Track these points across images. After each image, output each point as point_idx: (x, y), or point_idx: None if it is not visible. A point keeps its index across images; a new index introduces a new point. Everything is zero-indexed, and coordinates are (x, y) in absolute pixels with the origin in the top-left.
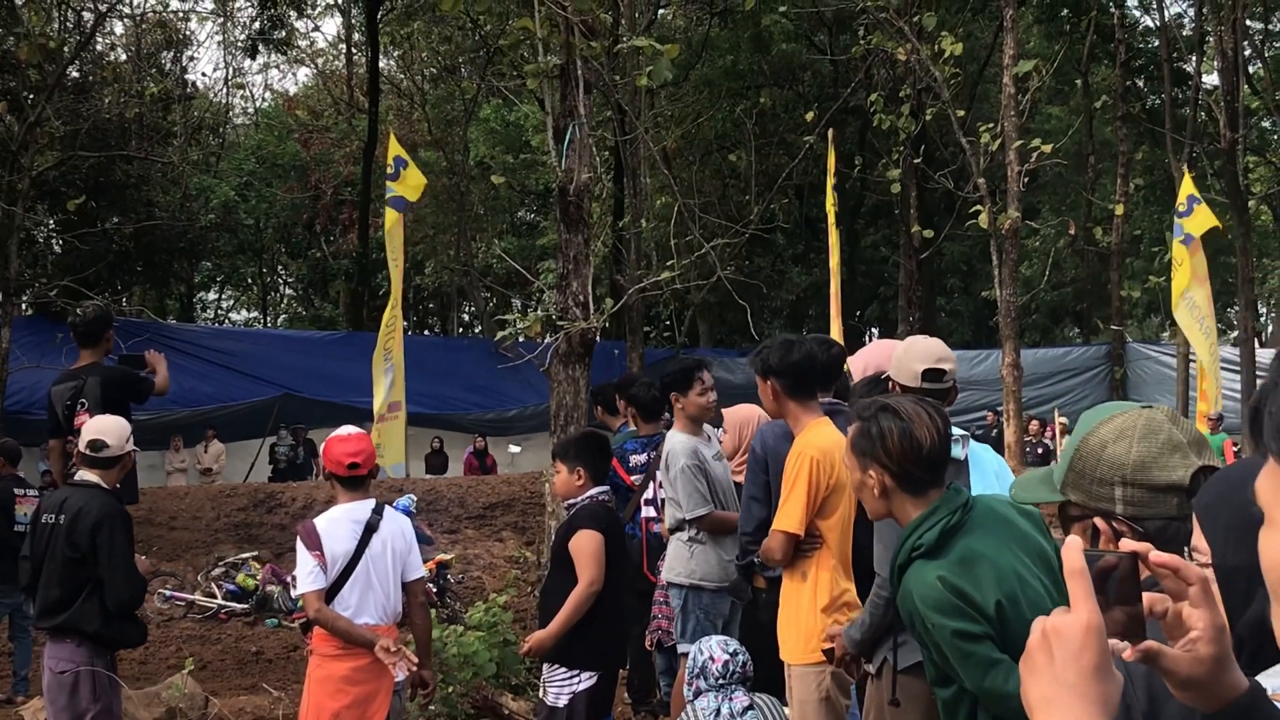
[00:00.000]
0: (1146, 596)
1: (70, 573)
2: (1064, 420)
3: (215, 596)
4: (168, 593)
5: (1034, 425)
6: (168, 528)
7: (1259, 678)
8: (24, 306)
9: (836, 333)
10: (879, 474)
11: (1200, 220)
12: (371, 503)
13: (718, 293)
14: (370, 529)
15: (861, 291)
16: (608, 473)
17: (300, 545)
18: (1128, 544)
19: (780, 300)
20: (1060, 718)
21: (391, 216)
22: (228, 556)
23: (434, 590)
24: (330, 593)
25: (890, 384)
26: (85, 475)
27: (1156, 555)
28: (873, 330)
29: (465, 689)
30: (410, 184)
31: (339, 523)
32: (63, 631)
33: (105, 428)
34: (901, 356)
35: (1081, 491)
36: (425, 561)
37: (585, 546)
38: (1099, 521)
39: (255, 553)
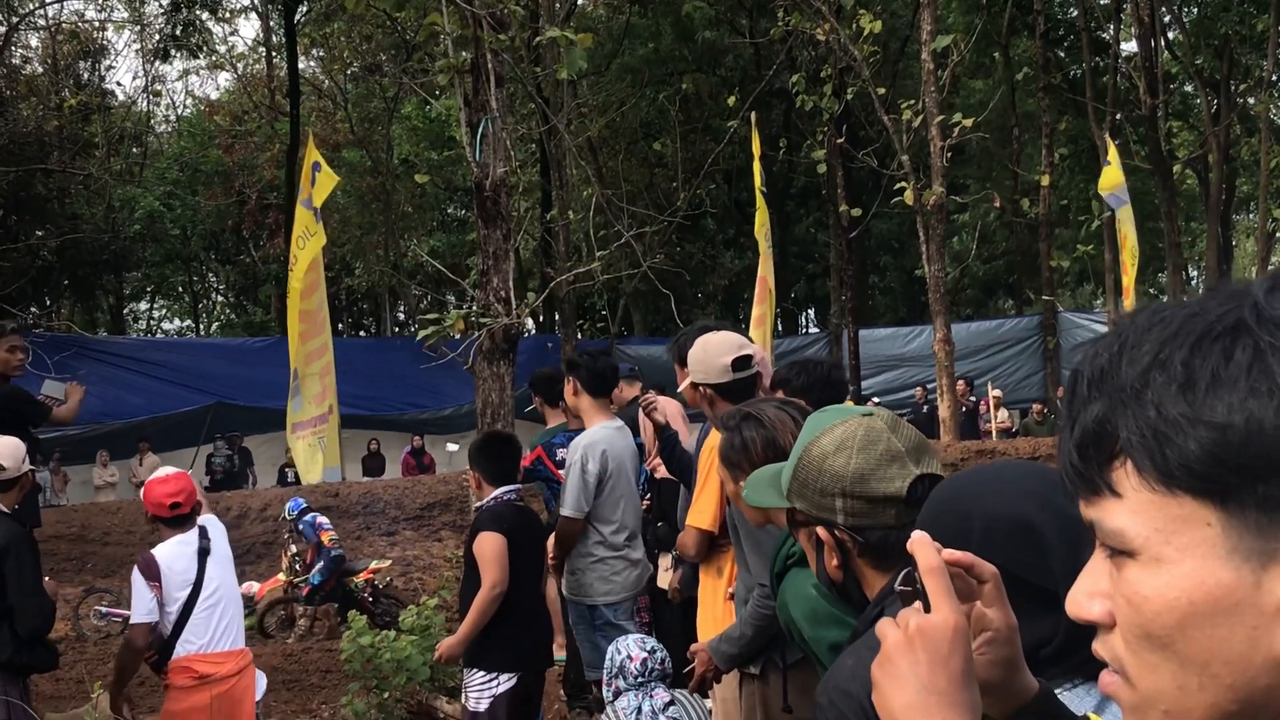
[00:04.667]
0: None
1: None
2: (998, 393)
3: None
4: (104, 609)
5: (960, 385)
6: (101, 543)
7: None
8: None
9: (760, 320)
10: None
11: (1109, 177)
12: (195, 530)
13: (650, 281)
14: (204, 553)
15: (792, 272)
16: (510, 473)
17: (139, 577)
18: (917, 542)
19: (714, 285)
20: None
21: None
22: None
23: (368, 599)
24: (181, 621)
25: (701, 390)
26: None
27: (949, 553)
28: (808, 311)
29: (400, 694)
30: (321, 188)
31: (176, 554)
32: None
33: (0, 449)
34: (704, 358)
35: (805, 500)
36: (360, 571)
37: (486, 549)
38: (821, 531)
39: None
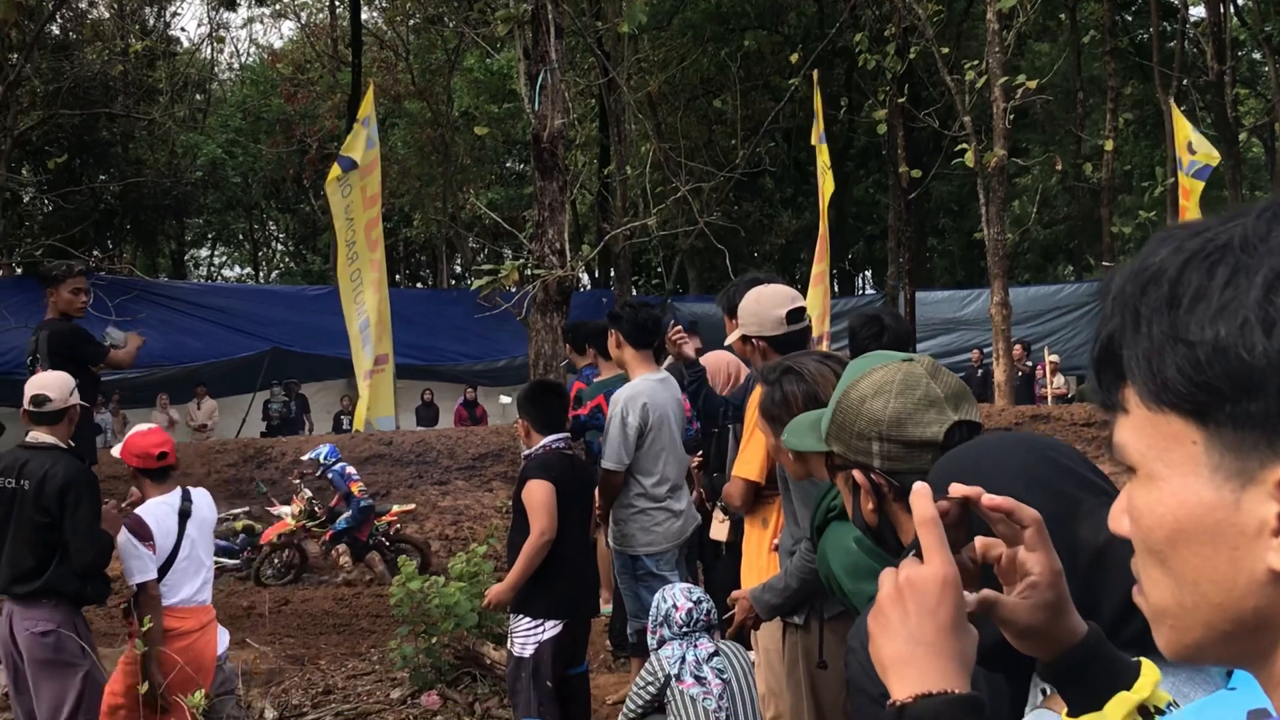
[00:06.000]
0: (980, 541)
1: (41, 538)
2: (1055, 358)
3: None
4: None
5: (1017, 350)
6: None
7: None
8: (12, 267)
9: (819, 277)
10: None
11: (1205, 156)
12: (179, 490)
13: (706, 239)
14: (185, 514)
15: (851, 233)
16: (559, 421)
17: (129, 537)
18: (958, 488)
19: (770, 244)
20: (917, 677)
21: (334, 171)
22: (219, 512)
23: (386, 543)
24: (160, 577)
25: (753, 342)
26: (38, 436)
27: (989, 499)
28: (864, 272)
29: (447, 640)
30: (357, 142)
31: (161, 514)
32: (39, 595)
33: (47, 382)
34: (757, 310)
35: (842, 444)
36: (383, 514)
37: (534, 497)
38: (857, 475)
39: (246, 508)
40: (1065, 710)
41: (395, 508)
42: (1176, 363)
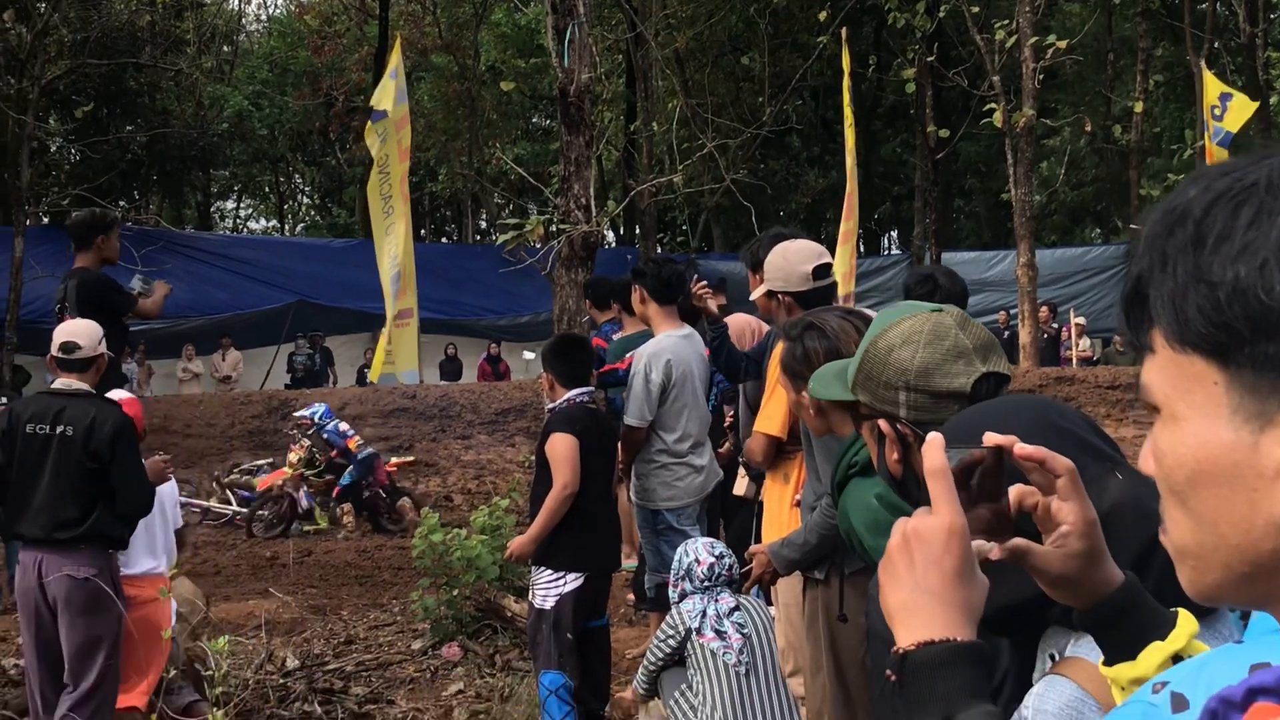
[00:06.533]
0: (1015, 490)
1: (87, 484)
2: (1081, 320)
3: (230, 503)
4: (182, 499)
5: (1043, 312)
6: (183, 435)
7: (1074, 648)
8: (39, 216)
9: (847, 235)
10: None
11: (1237, 113)
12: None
13: (732, 196)
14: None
15: (877, 193)
16: (583, 375)
17: None
18: (992, 437)
19: (796, 203)
20: (922, 625)
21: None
22: (243, 463)
23: (382, 495)
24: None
25: (778, 298)
26: (70, 382)
27: (1021, 447)
28: (890, 232)
29: (469, 592)
30: (386, 94)
31: None
32: (79, 540)
33: (76, 330)
34: (783, 265)
35: (869, 393)
36: (387, 461)
37: (558, 450)
38: (883, 424)
39: (270, 459)
40: (1102, 660)
41: (394, 459)
42: (1198, 303)
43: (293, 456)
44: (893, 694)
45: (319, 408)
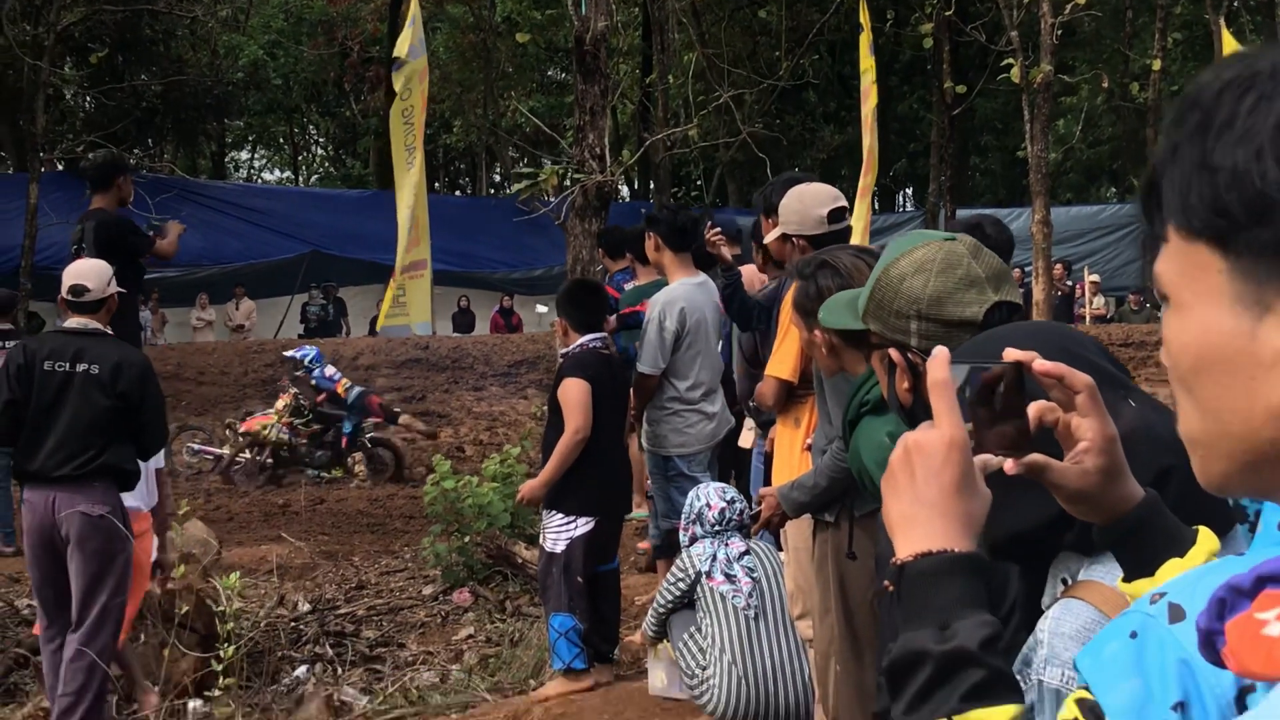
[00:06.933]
0: (1035, 405)
1: (110, 421)
2: (1095, 278)
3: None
4: (196, 446)
5: (1058, 269)
6: (196, 382)
7: (1088, 571)
8: (54, 163)
9: (865, 190)
10: (825, 332)
11: None
12: None
13: (747, 151)
14: None
15: (893, 150)
16: (597, 321)
17: None
18: (1012, 353)
19: (812, 159)
20: (920, 537)
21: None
22: (256, 412)
23: (366, 443)
24: None
25: (793, 241)
26: (85, 322)
27: (1041, 363)
28: (906, 189)
29: (480, 539)
30: (406, 43)
31: None
32: (94, 476)
33: (84, 271)
34: (799, 208)
35: (880, 322)
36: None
37: (570, 394)
38: (894, 353)
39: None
40: (1121, 577)
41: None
42: (1200, 189)
43: (279, 404)
44: (891, 605)
45: (310, 350)
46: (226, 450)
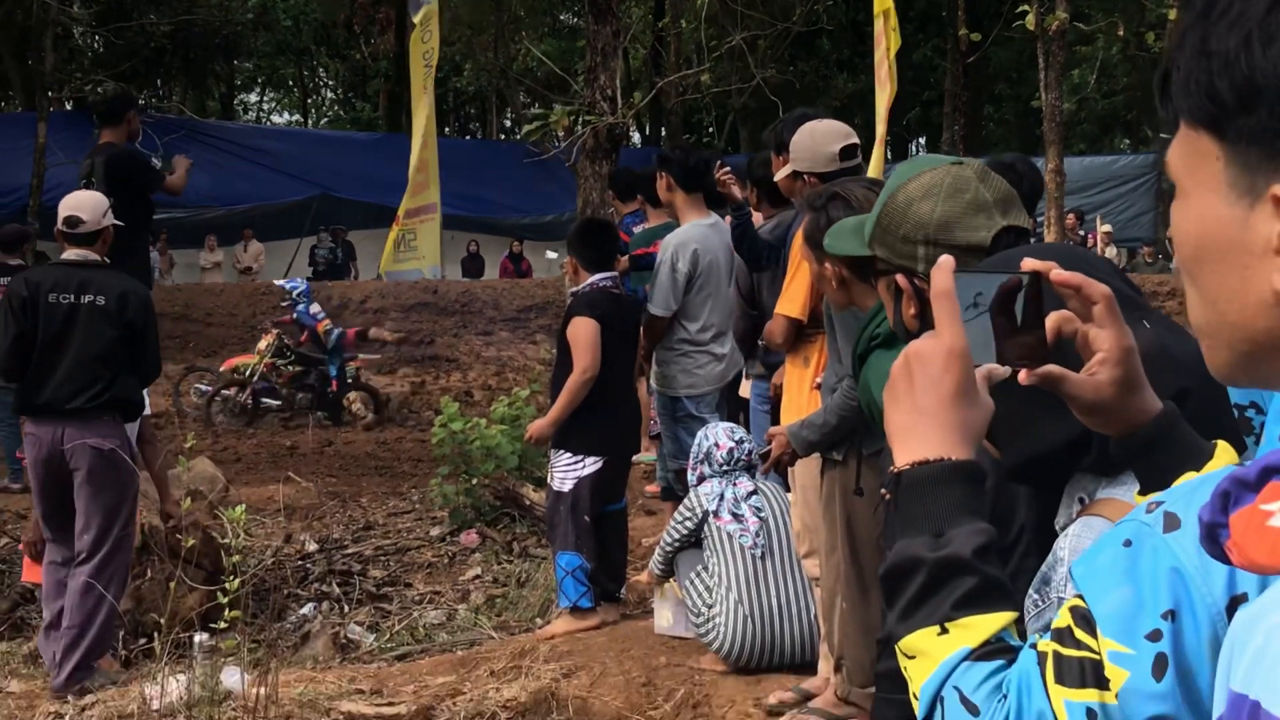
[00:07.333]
0: (1054, 315)
1: (117, 352)
2: (1107, 228)
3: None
4: (204, 387)
5: (1070, 218)
6: (204, 324)
7: (1105, 490)
8: (62, 102)
9: (880, 139)
10: (835, 265)
11: None
12: None
13: (759, 97)
14: None
15: (906, 98)
16: (607, 260)
17: None
18: (1029, 262)
19: (825, 107)
20: (917, 445)
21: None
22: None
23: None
24: None
25: (804, 178)
26: (84, 254)
27: (1058, 273)
28: (919, 139)
29: (488, 480)
30: None
31: None
32: (103, 409)
33: (79, 203)
34: (810, 144)
35: (886, 247)
36: (353, 359)
37: (579, 333)
38: (900, 279)
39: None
40: (1138, 489)
41: (361, 356)
42: (1197, 75)
43: (261, 344)
44: (888, 514)
45: (300, 283)
46: (234, 391)
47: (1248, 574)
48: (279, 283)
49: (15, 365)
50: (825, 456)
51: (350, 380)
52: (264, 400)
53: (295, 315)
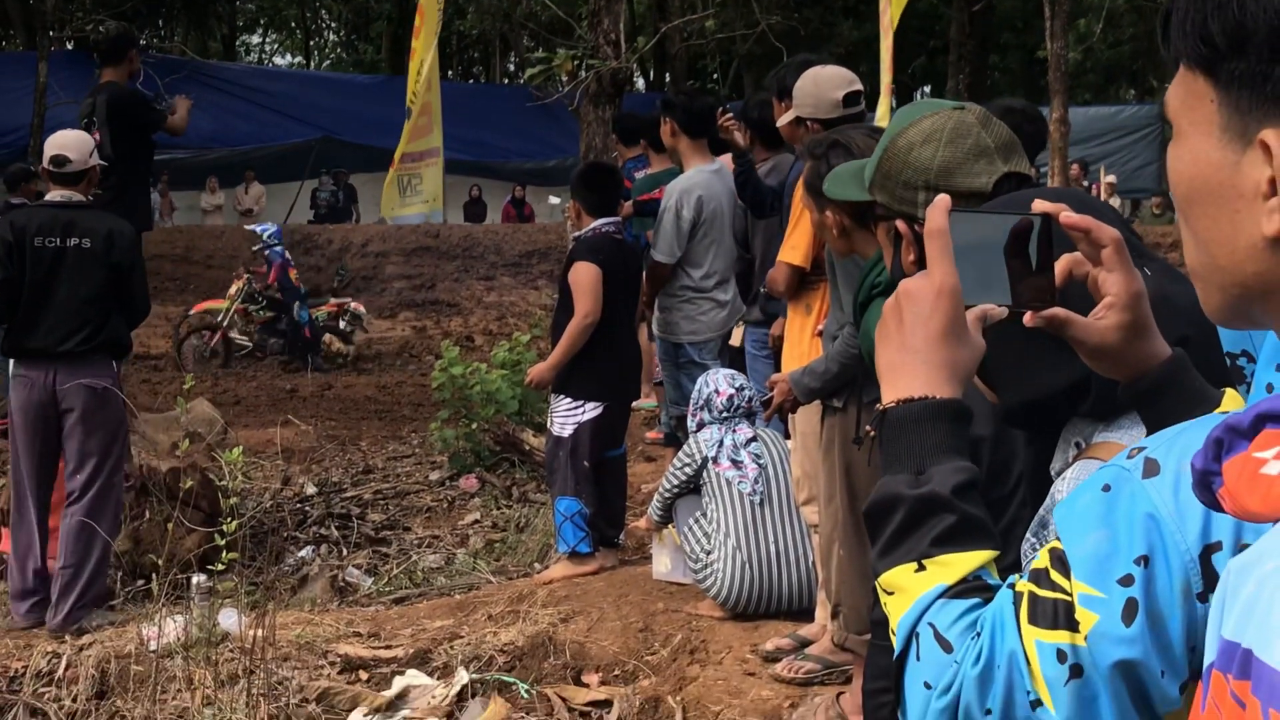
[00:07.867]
0: (1065, 258)
1: (105, 294)
2: (1111, 179)
3: (251, 336)
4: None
5: (1075, 169)
6: (205, 265)
7: (1104, 434)
8: (64, 41)
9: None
10: (836, 213)
11: None
12: None
13: (764, 44)
14: None
15: (911, 47)
16: (610, 204)
17: None
18: (1040, 204)
19: (830, 54)
20: (904, 383)
21: None
22: None
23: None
24: None
25: (809, 125)
26: (69, 194)
27: (1068, 216)
28: (924, 87)
29: (488, 425)
30: None
31: None
32: (95, 350)
33: (65, 142)
34: (814, 90)
35: (887, 193)
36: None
37: (581, 278)
38: (901, 225)
39: None
40: (1139, 436)
41: (333, 300)
42: (1193, 16)
43: (232, 289)
44: (873, 450)
45: (271, 227)
46: (235, 334)
47: (1222, 522)
48: (250, 228)
49: (3, 309)
50: (826, 404)
51: (321, 324)
52: (235, 340)
53: (267, 254)
